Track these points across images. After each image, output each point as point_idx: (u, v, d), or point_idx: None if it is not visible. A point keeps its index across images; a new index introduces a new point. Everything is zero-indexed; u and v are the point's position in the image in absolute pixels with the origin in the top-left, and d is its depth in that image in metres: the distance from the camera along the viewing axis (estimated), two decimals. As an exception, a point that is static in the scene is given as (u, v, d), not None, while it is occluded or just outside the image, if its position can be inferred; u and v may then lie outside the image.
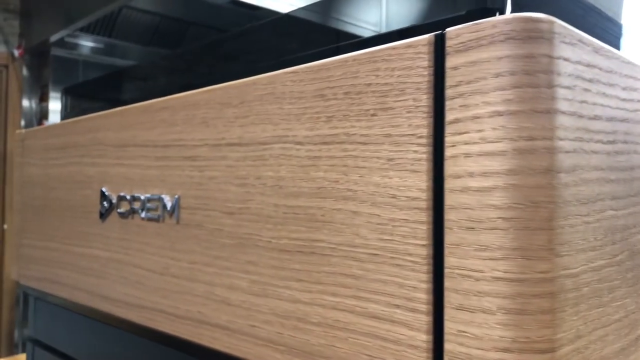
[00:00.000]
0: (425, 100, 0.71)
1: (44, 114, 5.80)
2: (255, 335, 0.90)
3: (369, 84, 0.76)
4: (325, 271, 0.79)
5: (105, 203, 1.27)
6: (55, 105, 5.75)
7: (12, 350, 5.05)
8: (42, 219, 1.52)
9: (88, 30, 5.62)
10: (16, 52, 6.05)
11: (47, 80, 5.94)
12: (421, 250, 0.70)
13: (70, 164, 1.43)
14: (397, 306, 0.72)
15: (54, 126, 1.50)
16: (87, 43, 5.87)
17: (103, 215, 1.27)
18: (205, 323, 0.99)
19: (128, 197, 1.20)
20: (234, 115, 0.97)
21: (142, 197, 1.15)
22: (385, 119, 0.74)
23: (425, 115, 0.70)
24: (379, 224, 0.74)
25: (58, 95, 6.14)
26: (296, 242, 0.83)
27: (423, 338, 0.69)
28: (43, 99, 6.09)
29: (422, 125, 0.70)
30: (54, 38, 5.65)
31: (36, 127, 1.55)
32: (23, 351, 5.25)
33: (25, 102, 6.03)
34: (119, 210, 1.22)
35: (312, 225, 0.82)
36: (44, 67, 6.02)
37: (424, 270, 0.70)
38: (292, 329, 0.83)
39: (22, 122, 5.90)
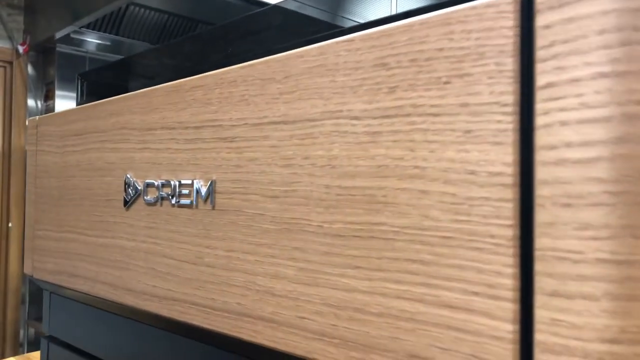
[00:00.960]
0: (510, 64, 0.63)
1: (49, 112, 5.74)
2: (304, 327, 0.82)
3: (441, 49, 0.69)
4: (387, 257, 0.71)
5: (130, 190, 1.19)
6: (60, 104, 5.67)
7: (17, 350, 4.97)
8: (58, 209, 1.44)
9: (94, 27, 5.55)
10: (21, 49, 5.98)
11: (53, 77, 5.87)
12: (506, 231, 0.62)
13: (90, 150, 1.36)
14: (476, 293, 0.64)
15: (71, 111, 1.43)
16: (93, 40, 5.79)
17: (128, 203, 1.20)
18: (245, 315, 0.91)
19: (156, 183, 1.13)
20: (277, 91, 0.89)
21: (173, 183, 1.08)
22: (461, 87, 0.67)
23: (510, 80, 0.63)
24: (453, 203, 0.66)
25: (63, 93, 6.06)
26: (352, 226, 0.75)
27: (508, 328, 0.62)
28: (48, 96, 6.02)
29: (506, 92, 0.63)
30: (59, 34, 5.58)
31: (52, 113, 1.48)
32: (28, 350, 5.16)
33: (30, 101, 5.95)
34: (145, 197, 1.15)
35: (372, 207, 0.74)
36: (49, 65, 5.95)
37: (509, 253, 0.62)
38: (348, 320, 0.76)
39: (27, 122, 5.82)
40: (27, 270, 1.56)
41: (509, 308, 0.63)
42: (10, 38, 6.05)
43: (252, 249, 0.94)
